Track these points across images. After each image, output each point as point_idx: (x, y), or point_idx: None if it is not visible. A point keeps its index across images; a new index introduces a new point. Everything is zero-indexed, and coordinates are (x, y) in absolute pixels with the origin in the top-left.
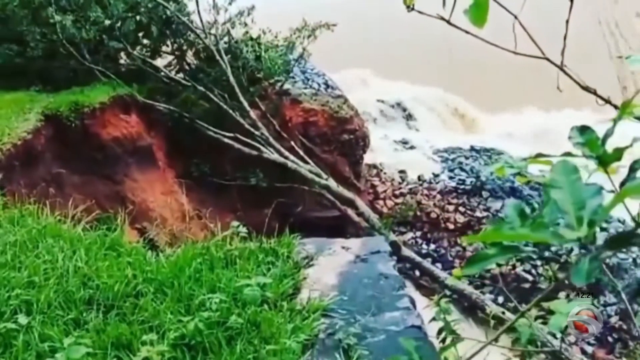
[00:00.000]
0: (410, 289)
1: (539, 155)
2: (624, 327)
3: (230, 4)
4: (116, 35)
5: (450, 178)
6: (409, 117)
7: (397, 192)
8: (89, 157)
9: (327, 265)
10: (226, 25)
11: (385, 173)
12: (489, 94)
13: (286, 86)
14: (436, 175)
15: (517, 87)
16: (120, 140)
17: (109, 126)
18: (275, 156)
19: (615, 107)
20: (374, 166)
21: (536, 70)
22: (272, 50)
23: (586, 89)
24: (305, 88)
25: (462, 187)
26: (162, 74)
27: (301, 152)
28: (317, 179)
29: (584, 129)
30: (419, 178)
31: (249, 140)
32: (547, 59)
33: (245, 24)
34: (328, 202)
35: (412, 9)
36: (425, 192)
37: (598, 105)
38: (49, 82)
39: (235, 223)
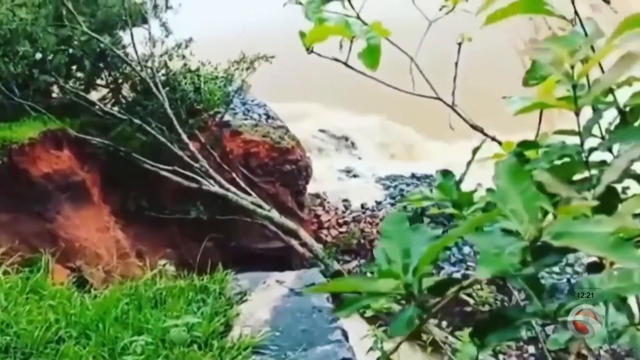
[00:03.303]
0: (355, 318)
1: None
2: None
3: (166, 36)
4: (47, 69)
5: (392, 205)
6: (351, 145)
7: (340, 221)
8: (18, 195)
9: (261, 300)
10: (163, 57)
11: (328, 202)
12: (433, 121)
13: (226, 118)
14: (379, 203)
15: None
16: (51, 176)
17: (40, 162)
18: (215, 188)
19: (500, 143)
20: (318, 195)
21: (480, 97)
22: (212, 82)
23: (474, 127)
24: (246, 119)
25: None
26: (97, 107)
27: (242, 184)
28: (259, 210)
29: (445, 173)
30: (362, 206)
31: (188, 173)
32: (440, 99)
33: (184, 56)
34: (272, 234)
35: (312, 51)
36: (369, 219)
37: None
38: None
39: (162, 262)
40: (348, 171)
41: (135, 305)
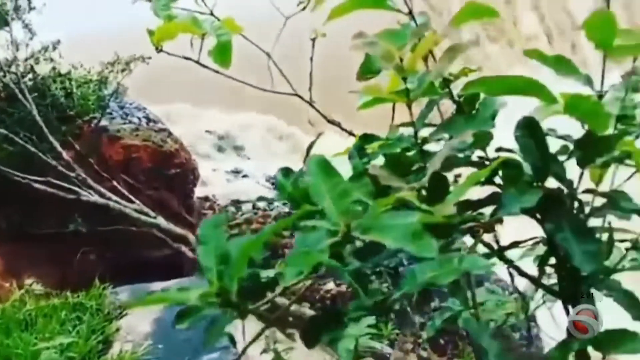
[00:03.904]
0: (251, 319)
1: None
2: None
3: (31, 39)
4: None
5: (284, 203)
6: (239, 146)
7: (232, 223)
8: None
9: (143, 313)
10: (29, 61)
11: (219, 205)
12: (318, 115)
13: (103, 123)
14: (270, 202)
15: (346, 109)
16: None
17: None
18: (95, 198)
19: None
20: (207, 198)
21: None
22: (84, 86)
23: (331, 121)
24: (125, 123)
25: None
26: None
27: (125, 191)
28: (144, 217)
29: (287, 171)
30: (254, 206)
31: (64, 184)
32: (298, 96)
33: (52, 60)
34: (160, 241)
35: (161, 50)
36: (261, 219)
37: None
38: None
39: (29, 281)
40: (237, 172)
41: (3, 330)
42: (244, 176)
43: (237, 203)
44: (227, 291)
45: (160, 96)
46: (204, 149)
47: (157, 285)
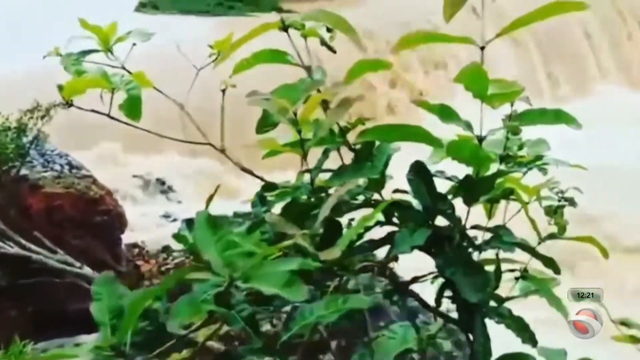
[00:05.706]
0: None
1: None
2: None
3: None
4: None
5: None
6: (168, 190)
7: (163, 269)
8: None
9: None
10: None
11: (148, 251)
12: (251, 157)
13: (23, 171)
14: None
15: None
16: None
17: None
18: (15, 250)
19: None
20: (135, 245)
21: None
22: (2, 134)
23: (244, 169)
24: (46, 171)
25: None
26: None
27: (47, 242)
28: (69, 268)
29: (189, 223)
30: (186, 251)
31: None
32: (211, 145)
33: None
34: (86, 293)
35: (71, 104)
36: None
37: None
38: None
39: None
40: (167, 216)
41: None
42: (174, 220)
43: (167, 249)
44: (120, 344)
45: (84, 141)
46: (131, 193)
47: (81, 339)
